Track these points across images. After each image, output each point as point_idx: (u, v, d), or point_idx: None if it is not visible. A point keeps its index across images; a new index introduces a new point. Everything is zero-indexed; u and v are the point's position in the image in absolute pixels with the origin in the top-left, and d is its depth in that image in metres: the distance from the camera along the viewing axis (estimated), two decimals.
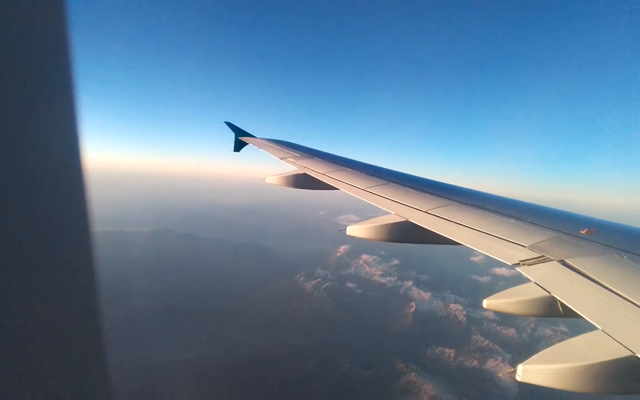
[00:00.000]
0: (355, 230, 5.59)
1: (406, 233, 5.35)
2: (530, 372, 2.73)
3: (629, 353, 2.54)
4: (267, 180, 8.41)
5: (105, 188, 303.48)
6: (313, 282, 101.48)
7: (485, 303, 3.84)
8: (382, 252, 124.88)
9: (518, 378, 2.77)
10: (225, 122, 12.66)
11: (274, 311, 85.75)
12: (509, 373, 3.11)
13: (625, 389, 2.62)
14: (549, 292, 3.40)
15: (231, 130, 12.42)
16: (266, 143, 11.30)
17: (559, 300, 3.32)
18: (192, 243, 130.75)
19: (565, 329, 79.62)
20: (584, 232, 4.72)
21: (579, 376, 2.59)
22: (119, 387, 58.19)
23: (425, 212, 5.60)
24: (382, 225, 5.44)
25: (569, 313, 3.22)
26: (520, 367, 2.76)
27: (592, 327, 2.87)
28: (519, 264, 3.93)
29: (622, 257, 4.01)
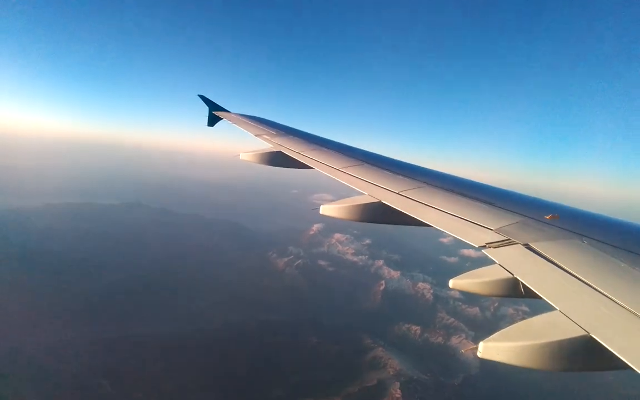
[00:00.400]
0: (329, 209, 5.57)
1: (379, 214, 5.39)
2: (491, 349, 2.80)
3: (583, 333, 2.63)
4: (241, 157, 8.22)
5: (75, 159, 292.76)
6: (285, 260, 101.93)
7: (451, 283, 3.91)
8: (354, 232, 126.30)
9: (479, 354, 2.83)
10: (199, 96, 12.28)
11: (245, 287, 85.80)
12: (471, 349, 3.09)
13: (579, 366, 2.73)
14: (512, 274, 3.47)
15: (205, 105, 12.08)
16: (241, 119, 11.09)
17: (521, 282, 3.40)
18: (164, 217, 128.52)
19: (526, 309, 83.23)
20: (548, 217, 4.82)
21: (537, 354, 2.68)
22: (89, 357, 57.65)
23: (398, 193, 5.64)
24: (355, 206, 5.46)
25: (530, 294, 3.30)
26: (481, 344, 2.80)
27: (552, 308, 2.95)
28: (485, 246, 4.00)
29: (583, 242, 4.11)
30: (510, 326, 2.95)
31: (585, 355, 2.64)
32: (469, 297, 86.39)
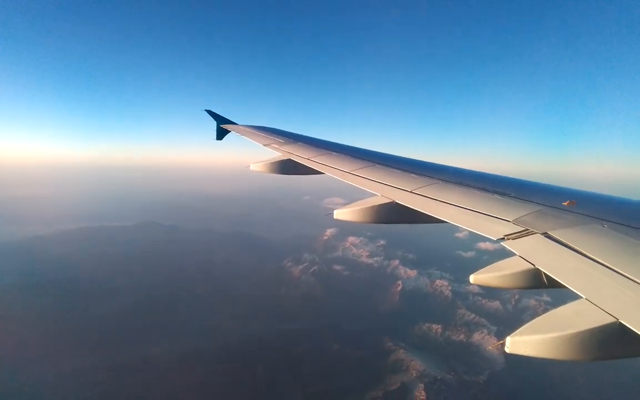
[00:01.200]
0: (343, 213, 5.55)
1: (393, 214, 5.36)
2: (519, 343, 2.74)
3: (612, 319, 2.58)
4: (251, 168, 8.22)
5: (87, 183, 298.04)
6: (300, 267, 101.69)
7: (471, 278, 3.79)
8: (368, 233, 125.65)
9: (507, 350, 2.75)
10: (206, 111, 12.41)
11: (262, 298, 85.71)
12: (497, 345, 3.09)
13: (610, 354, 2.68)
14: (534, 265, 3.43)
15: (212, 119, 12.18)
16: (249, 130, 11.15)
17: (544, 272, 3.35)
18: (177, 235, 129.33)
19: (548, 299, 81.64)
20: (565, 203, 4.76)
21: (566, 345, 2.62)
22: (110, 383, 58.08)
23: (411, 192, 5.60)
24: (368, 208, 5.42)
25: (553, 284, 3.25)
26: (508, 339, 2.76)
27: (576, 297, 2.90)
28: (503, 238, 3.97)
29: (603, 226, 4.06)
30: (537, 318, 2.89)
31: (616, 342, 2.59)
32: (488, 292, 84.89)
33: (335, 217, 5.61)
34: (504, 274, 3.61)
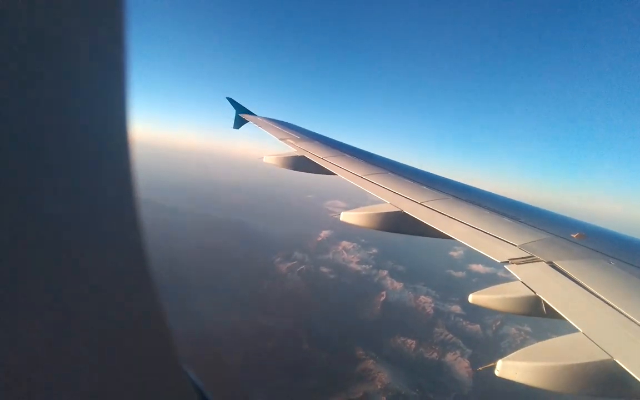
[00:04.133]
0: (349, 216, 5.65)
1: (399, 223, 5.39)
2: (509, 367, 2.80)
3: (607, 357, 2.58)
4: (264, 160, 8.43)
5: None
6: (289, 264, 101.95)
7: (471, 298, 3.94)
8: (362, 240, 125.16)
9: (497, 373, 2.85)
10: (227, 98, 12.63)
11: (245, 289, 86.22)
12: (488, 367, 3.15)
13: (601, 392, 2.68)
14: (535, 292, 3.46)
15: (232, 107, 12.42)
16: (267, 122, 11.26)
17: (544, 301, 3.37)
18: (173, 216, 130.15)
19: (529, 329, 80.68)
20: (575, 235, 4.76)
21: (557, 376, 2.65)
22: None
23: (420, 203, 5.63)
24: (376, 214, 5.47)
25: (552, 314, 3.28)
26: (499, 363, 2.84)
27: (574, 330, 2.92)
28: (507, 262, 4.01)
29: (610, 263, 4.04)
30: (531, 346, 3.00)
31: (608, 380, 2.59)
32: (471, 314, 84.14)
33: (342, 219, 5.77)
34: (503, 297, 3.72)
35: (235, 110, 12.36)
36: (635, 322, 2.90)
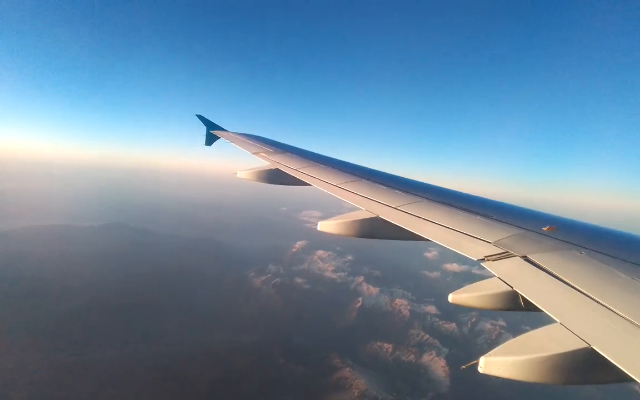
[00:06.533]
0: (326, 225, 5.64)
1: (376, 229, 5.44)
2: (492, 364, 2.81)
3: (585, 345, 2.64)
4: (238, 175, 8.26)
5: (60, 181, 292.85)
6: (263, 278, 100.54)
7: (450, 297, 3.94)
8: (337, 248, 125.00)
9: (480, 370, 2.84)
10: (197, 115, 12.44)
11: (219, 307, 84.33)
12: (471, 365, 3.09)
13: (581, 379, 2.74)
14: (512, 287, 3.54)
15: (203, 124, 12.20)
16: (238, 137, 11.15)
17: (521, 295, 3.45)
18: (143, 238, 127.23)
19: (503, 324, 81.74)
20: (545, 229, 4.88)
21: (538, 367, 2.68)
22: (49, 384, 56.22)
23: (395, 208, 5.70)
24: (352, 221, 5.49)
25: (530, 307, 3.34)
26: (482, 359, 2.84)
27: (552, 321, 2.96)
28: (483, 259, 4.10)
29: (581, 253, 4.16)
30: (510, 340, 2.97)
31: (587, 367, 2.64)
32: (446, 313, 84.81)
33: (319, 228, 5.67)
34: (482, 294, 3.73)
35: (205, 127, 12.14)
36: (609, 309, 3.00)
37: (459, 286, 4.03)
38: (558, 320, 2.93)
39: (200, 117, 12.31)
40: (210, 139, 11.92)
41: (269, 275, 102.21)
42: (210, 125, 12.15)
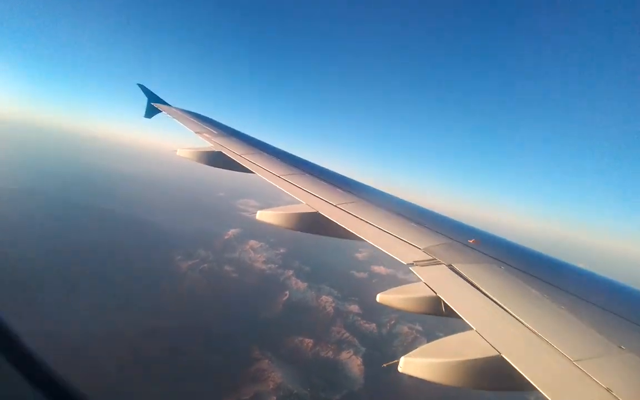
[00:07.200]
0: (265, 215, 5.64)
1: (314, 224, 5.52)
2: (410, 364, 2.91)
3: (495, 353, 2.79)
4: (177, 153, 8.08)
5: None
6: (190, 262, 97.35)
7: (378, 297, 4.07)
8: (271, 240, 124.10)
9: (400, 369, 2.91)
10: (138, 85, 11.86)
11: (138, 290, 80.00)
12: (391, 364, 3.16)
13: (490, 385, 2.84)
14: (435, 293, 3.67)
15: (144, 94, 11.69)
16: (182, 114, 10.78)
17: (443, 301, 3.58)
18: (61, 209, 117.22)
19: (420, 328, 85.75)
20: (471, 241, 5.12)
21: (452, 371, 2.79)
22: None
23: (335, 205, 5.78)
24: (292, 214, 5.52)
25: (450, 313, 3.48)
26: (402, 359, 2.94)
27: (465, 328, 3.11)
28: (412, 264, 4.24)
29: (500, 267, 4.42)
30: (430, 343, 3.08)
31: (497, 374, 2.76)
32: (368, 313, 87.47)
33: (257, 218, 5.78)
34: (408, 297, 3.88)
35: (147, 99, 11.62)
36: (519, 321, 3.17)
37: (384, 288, 4.18)
38: (474, 328, 3.07)
39: (142, 87, 11.77)
40: (151, 112, 11.52)
41: (197, 260, 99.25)
42: (152, 97, 11.74)
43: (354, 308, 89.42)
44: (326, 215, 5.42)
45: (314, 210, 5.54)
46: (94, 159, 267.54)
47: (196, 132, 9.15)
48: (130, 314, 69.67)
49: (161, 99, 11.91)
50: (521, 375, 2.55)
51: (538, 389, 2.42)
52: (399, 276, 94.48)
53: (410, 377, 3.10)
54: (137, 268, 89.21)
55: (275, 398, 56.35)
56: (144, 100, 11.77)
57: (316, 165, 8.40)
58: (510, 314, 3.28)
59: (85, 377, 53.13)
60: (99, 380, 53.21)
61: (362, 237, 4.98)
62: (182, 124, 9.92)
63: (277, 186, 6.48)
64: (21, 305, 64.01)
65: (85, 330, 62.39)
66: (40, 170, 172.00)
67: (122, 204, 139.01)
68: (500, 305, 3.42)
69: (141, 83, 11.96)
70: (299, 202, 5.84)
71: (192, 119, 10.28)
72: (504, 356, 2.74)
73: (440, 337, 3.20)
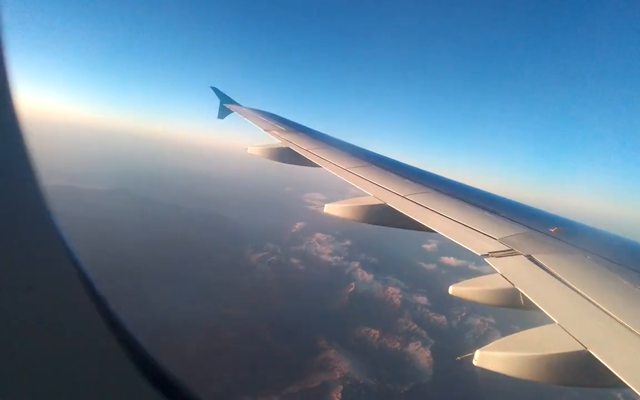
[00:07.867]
0: (333, 208, 5.65)
1: (383, 216, 5.44)
2: (487, 357, 2.86)
3: (581, 348, 2.64)
4: (248, 151, 8.39)
5: (69, 143, 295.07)
6: (259, 255, 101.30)
7: (451, 289, 4.00)
8: (337, 232, 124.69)
9: (474, 363, 2.87)
10: (212, 88, 12.48)
11: (212, 280, 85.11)
12: (466, 357, 3.14)
13: (575, 381, 2.78)
14: (513, 285, 3.55)
15: (217, 97, 12.32)
16: (252, 113, 11.27)
17: (522, 293, 3.45)
18: (146, 206, 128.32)
19: (492, 321, 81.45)
20: (553, 230, 4.87)
21: (533, 366, 2.72)
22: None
23: (403, 197, 5.69)
24: (360, 206, 5.52)
25: (530, 306, 3.36)
26: (477, 352, 2.88)
27: (550, 321, 2.99)
28: (487, 255, 4.10)
29: (587, 257, 4.17)
30: (508, 336, 3.03)
31: (582, 370, 2.64)
32: (436, 305, 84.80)
33: (325, 211, 5.73)
34: (483, 289, 3.77)
35: (219, 100, 12.23)
36: (608, 314, 2.98)
37: (455, 280, 4.14)
38: (557, 321, 2.92)
39: (215, 90, 12.34)
40: (223, 113, 12.01)
41: (266, 253, 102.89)
42: (224, 99, 12.23)
43: (422, 300, 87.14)
44: (395, 207, 5.34)
45: (382, 202, 5.47)
46: (173, 160, 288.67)
47: (265, 130, 9.39)
48: (204, 303, 74.22)
49: (232, 100, 12.38)
50: (610, 371, 2.42)
51: (631, 387, 2.28)
52: (470, 267, 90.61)
53: (484, 371, 3.01)
54: (211, 261, 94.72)
55: (342, 387, 56.80)
56: (216, 102, 12.36)
57: (384, 156, 8.25)
58: (598, 306, 3.10)
59: (168, 359, 58.61)
60: (180, 363, 57.88)
61: (432, 229, 4.86)
62: (252, 123, 10.28)
63: (344, 179, 6.48)
64: (109, 294, 70.79)
65: (158, 317, 67.44)
66: (124, 171, 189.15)
67: (198, 200, 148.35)
68: (586, 298, 3.24)
69: (213, 86, 12.57)
70: (366, 194, 5.79)
71: (261, 117, 10.59)
72: (590, 351, 2.59)
73: (516, 330, 3.12)
